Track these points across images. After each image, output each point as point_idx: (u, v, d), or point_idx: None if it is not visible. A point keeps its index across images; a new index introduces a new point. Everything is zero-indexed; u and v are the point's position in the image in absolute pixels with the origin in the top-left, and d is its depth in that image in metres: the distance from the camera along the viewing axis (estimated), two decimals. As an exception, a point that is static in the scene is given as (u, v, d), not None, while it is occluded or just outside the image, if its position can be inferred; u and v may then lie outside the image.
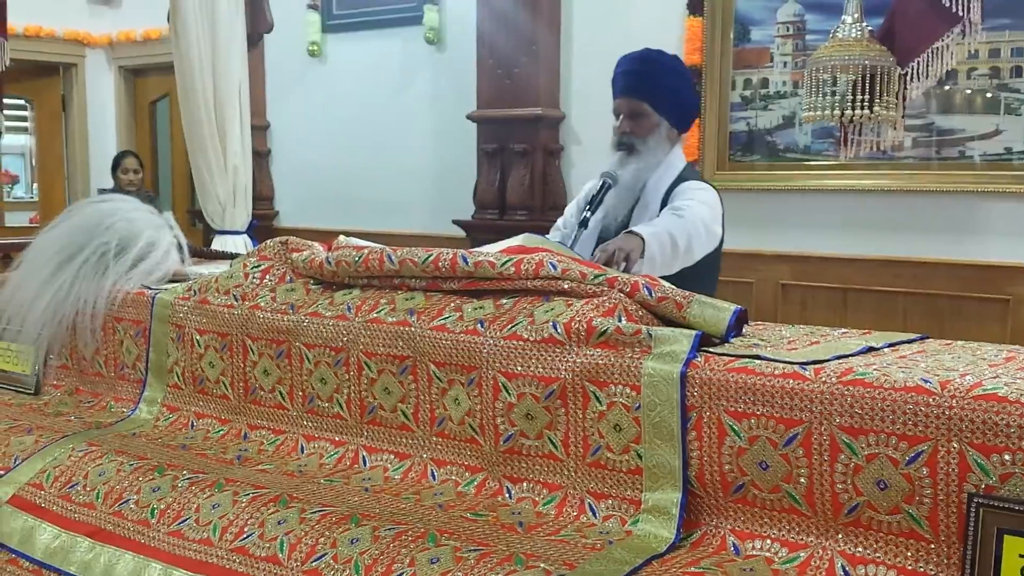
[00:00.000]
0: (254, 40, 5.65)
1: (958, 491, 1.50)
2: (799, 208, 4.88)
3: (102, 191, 6.73)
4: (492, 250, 2.20)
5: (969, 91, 4.46)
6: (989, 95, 4.41)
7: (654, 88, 3.06)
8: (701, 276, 2.84)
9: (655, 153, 3.05)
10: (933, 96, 4.50)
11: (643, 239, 2.65)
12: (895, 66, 3.55)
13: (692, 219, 2.84)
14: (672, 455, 1.77)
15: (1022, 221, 4.39)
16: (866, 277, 4.68)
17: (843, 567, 1.61)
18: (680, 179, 3.04)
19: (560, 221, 3.30)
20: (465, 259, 2.11)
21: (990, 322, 4.42)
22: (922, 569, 1.55)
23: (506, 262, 2.06)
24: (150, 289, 2.69)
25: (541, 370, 1.91)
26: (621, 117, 3.09)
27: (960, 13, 3.41)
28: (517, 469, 1.97)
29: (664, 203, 2.98)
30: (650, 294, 1.96)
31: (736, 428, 1.70)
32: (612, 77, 3.14)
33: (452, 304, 2.12)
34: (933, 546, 1.54)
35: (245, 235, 5.20)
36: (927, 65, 3.50)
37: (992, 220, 4.47)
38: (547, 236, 3.14)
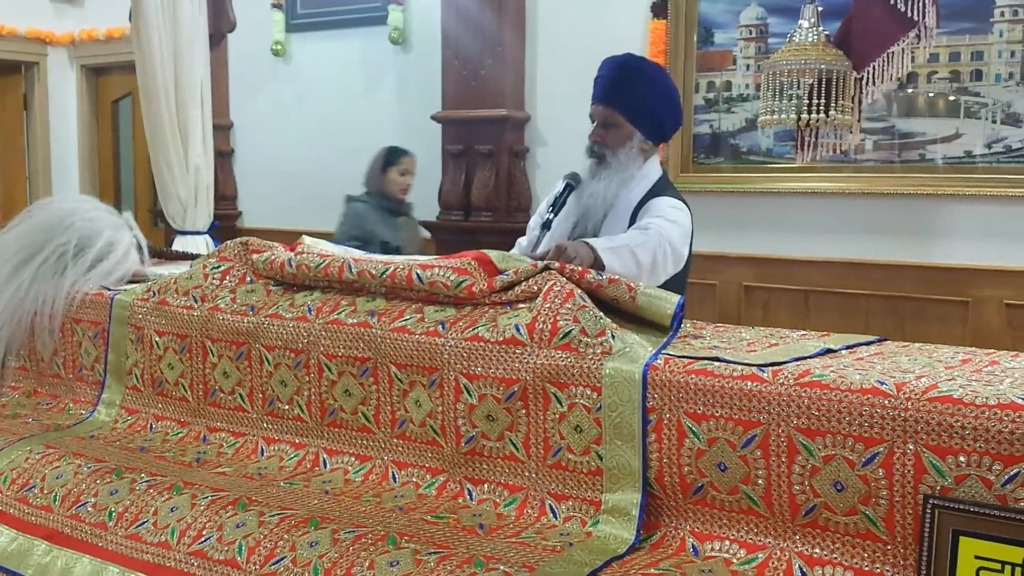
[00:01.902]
0: (217, 39, 5.61)
1: (914, 492, 1.52)
2: (762, 210, 4.91)
3: (353, 199, 5.05)
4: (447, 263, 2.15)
5: (930, 95, 4.51)
6: (950, 98, 4.46)
7: (629, 98, 2.93)
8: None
9: (626, 166, 2.93)
10: (894, 99, 4.54)
11: (594, 252, 2.55)
12: (851, 70, 3.58)
13: (658, 236, 2.73)
14: (632, 456, 1.77)
15: (981, 224, 4.44)
16: (829, 279, 4.71)
17: (800, 568, 1.62)
18: (653, 192, 2.94)
19: (532, 222, 3.19)
20: (420, 277, 2.10)
21: (951, 323, 4.47)
22: (878, 570, 1.56)
23: (460, 283, 2.05)
24: (109, 290, 2.66)
25: (502, 371, 1.91)
26: (595, 124, 2.98)
27: (915, 18, 3.45)
28: (478, 471, 1.97)
29: (634, 217, 2.88)
30: (600, 276, 1.97)
31: (695, 430, 1.71)
32: (594, 78, 3.01)
33: (413, 306, 2.11)
34: (889, 547, 1.55)
35: (207, 235, 5.16)
36: (883, 69, 3.54)
37: (952, 223, 4.51)
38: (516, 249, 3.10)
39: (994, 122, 4.39)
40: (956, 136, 4.49)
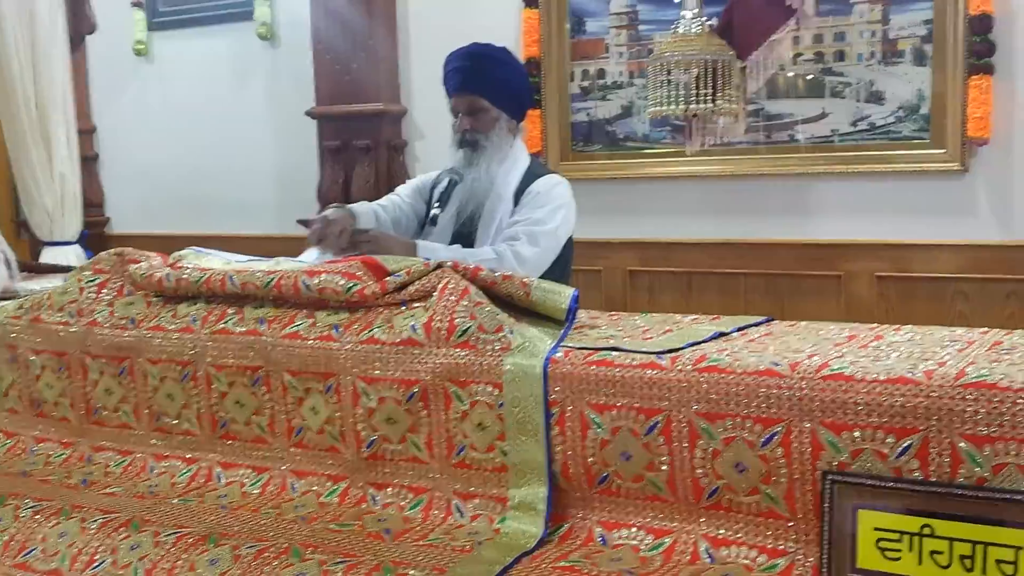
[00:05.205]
0: (77, 42, 5.39)
1: (812, 469, 1.55)
2: (642, 196, 4.97)
3: None
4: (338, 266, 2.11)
5: (796, 76, 4.62)
6: (815, 79, 4.58)
7: (488, 82, 3.04)
8: (551, 270, 2.81)
9: (500, 147, 3.03)
10: (763, 82, 4.64)
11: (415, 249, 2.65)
12: (735, 60, 3.65)
13: (511, 262, 2.74)
14: (537, 450, 1.77)
15: (850, 200, 4.57)
16: (709, 260, 4.79)
17: (707, 550, 1.64)
18: (530, 174, 3.03)
19: (387, 200, 3.21)
20: (307, 285, 2.05)
21: (826, 298, 4.60)
22: (782, 547, 1.59)
23: (351, 288, 2.01)
24: (-23, 309, 2.53)
25: (401, 373, 1.88)
26: (460, 115, 3.05)
27: (795, 6, 3.53)
28: (381, 475, 1.94)
29: (517, 199, 2.97)
30: (493, 273, 1.96)
31: (598, 420, 1.71)
32: (443, 75, 3.12)
33: (304, 311, 2.06)
34: (791, 524, 1.59)
35: (77, 245, 4.95)
36: (765, 58, 3.62)
37: (822, 200, 4.63)
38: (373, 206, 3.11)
39: (858, 101, 4.52)
40: (822, 116, 4.61)
